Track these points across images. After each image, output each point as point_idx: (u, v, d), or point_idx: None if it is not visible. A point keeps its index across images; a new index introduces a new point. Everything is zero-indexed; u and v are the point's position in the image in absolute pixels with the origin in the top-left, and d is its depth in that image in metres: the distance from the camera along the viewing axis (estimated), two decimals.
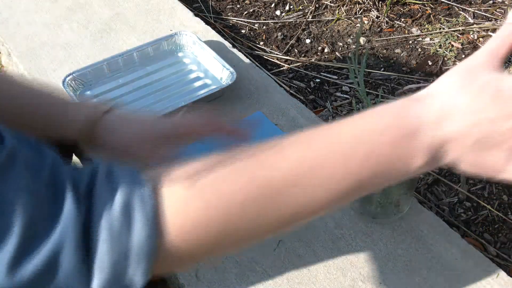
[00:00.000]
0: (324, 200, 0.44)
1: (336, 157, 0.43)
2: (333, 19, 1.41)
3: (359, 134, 0.44)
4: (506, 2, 1.43)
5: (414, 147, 0.43)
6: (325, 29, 1.39)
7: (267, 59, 1.31)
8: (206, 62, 1.14)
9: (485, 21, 1.37)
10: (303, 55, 1.32)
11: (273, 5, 1.47)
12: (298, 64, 1.29)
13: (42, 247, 0.38)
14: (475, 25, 1.36)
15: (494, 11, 1.40)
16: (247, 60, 1.19)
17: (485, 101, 0.43)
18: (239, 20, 1.43)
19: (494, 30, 1.35)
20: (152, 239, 0.42)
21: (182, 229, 0.44)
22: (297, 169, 0.44)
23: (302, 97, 1.21)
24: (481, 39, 1.33)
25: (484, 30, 1.35)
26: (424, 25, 1.38)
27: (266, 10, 1.46)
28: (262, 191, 0.44)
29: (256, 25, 1.41)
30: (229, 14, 1.46)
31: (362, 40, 1.35)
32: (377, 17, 1.40)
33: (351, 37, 1.36)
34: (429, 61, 1.28)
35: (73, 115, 0.72)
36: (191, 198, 0.44)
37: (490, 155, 0.44)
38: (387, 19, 1.40)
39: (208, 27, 1.25)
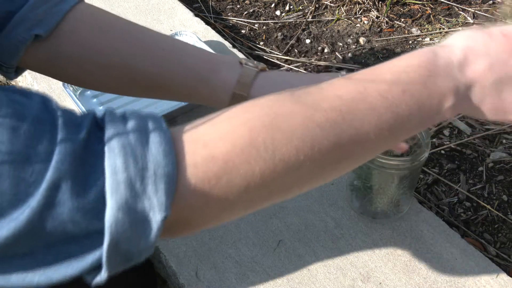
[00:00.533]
0: (369, 135, 0.45)
1: (375, 91, 0.46)
2: (333, 19, 1.41)
3: (393, 72, 0.47)
4: (506, 3, 1.43)
5: (442, 86, 0.47)
6: (325, 29, 1.39)
7: (267, 59, 1.31)
8: None
9: (485, 21, 1.37)
10: (303, 55, 1.32)
11: (273, 5, 1.47)
12: (298, 64, 1.29)
13: (36, 185, 0.35)
14: (475, 25, 1.36)
15: (494, 11, 1.40)
16: None
17: (495, 45, 0.48)
18: (239, 20, 1.43)
19: None
20: (170, 156, 0.38)
21: (207, 161, 0.40)
22: (339, 105, 0.44)
23: None
24: None
25: None
26: (424, 25, 1.38)
27: (266, 10, 1.46)
28: (304, 129, 0.43)
29: (256, 25, 1.41)
30: (229, 14, 1.46)
31: (362, 40, 1.35)
32: (377, 17, 1.40)
33: (351, 37, 1.36)
34: None
35: (225, 74, 0.64)
36: (215, 133, 0.41)
37: (508, 94, 0.48)
38: (387, 19, 1.40)
39: (208, 27, 1.25)
